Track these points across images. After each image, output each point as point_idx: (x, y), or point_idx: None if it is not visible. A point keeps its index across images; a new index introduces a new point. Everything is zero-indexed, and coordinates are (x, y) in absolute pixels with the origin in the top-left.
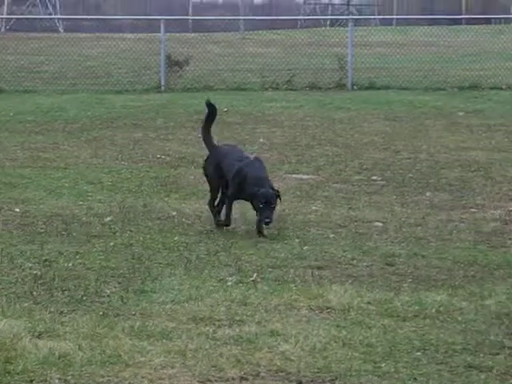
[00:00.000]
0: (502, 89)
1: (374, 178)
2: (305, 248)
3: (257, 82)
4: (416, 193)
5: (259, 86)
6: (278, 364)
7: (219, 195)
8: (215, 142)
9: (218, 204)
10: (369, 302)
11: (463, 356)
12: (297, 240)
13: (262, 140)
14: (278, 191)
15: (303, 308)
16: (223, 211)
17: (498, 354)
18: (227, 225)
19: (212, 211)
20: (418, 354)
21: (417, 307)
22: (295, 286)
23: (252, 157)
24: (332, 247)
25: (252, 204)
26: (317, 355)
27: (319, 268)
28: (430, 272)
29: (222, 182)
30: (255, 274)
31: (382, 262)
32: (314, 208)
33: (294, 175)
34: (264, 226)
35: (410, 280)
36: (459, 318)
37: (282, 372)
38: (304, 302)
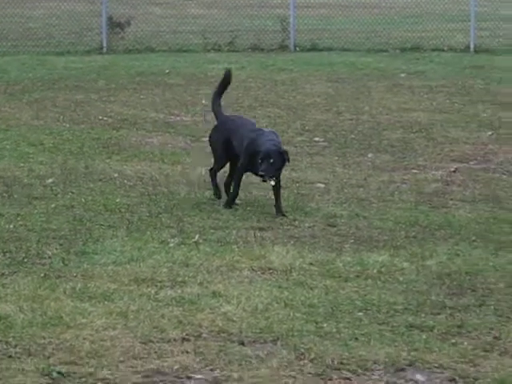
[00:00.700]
0: (443, 50)
1: (316, 139)
2: (247, 209)
3: (199, 43)
4: (358, 154)
5: (201, 48)
6: (220, 325)
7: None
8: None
9: (228, 180)
10: (311, 263)
11: (405, 316)
12: (239, 201)
13: (204, 102)
14: (285, 151)
15: (245, 269)
16: (232, 185)
17: (439, 313)
18: (234, 197)
19: (212, 180)
20: (360, 314)
21: (358, 268)
22: (237, 248)
23: (267, 130)
24: (274, 208)
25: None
26: (259, 316)
27: (261, 229)
28: (372, 233)
29: (230, 154)
30: (197, 236)
31: (324, 223)
32: None
33: None
34: (264, 181)
35: (351, 241)
36: (401, 279)
37: (223, 333)
38: (246, 263)
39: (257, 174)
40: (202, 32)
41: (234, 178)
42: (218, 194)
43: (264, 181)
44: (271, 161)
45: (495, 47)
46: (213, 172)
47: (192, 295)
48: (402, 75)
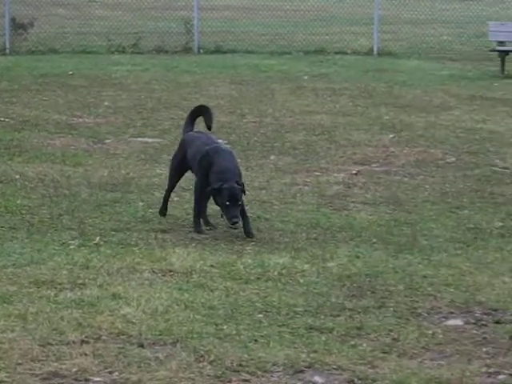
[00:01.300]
0: (346, 53)
1: (220, 141)
2: (149, 211)
3: (103, 45)
4: (261, 156)
5: (105, 50)
6: (120, 327)
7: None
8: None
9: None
10: (212, 265)
11: (304, 318)
12: (141, 203)
13: (107, 103)
14: (243, 184)
15: (146, 271)
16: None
17: (338, 315)
18: (197, 217)
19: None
20: (260, 316)
21: (259, 270)
22: (138, 249)
23: (223, 145)
24: (176, 210)
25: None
26: (158, 318)
27: (163, 231)
28: (273, 235)
29: (181, 172)
30: (98, 238)
31: (226, 226)
32: (158, 171)
33: (139, 138)
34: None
35: (253, 243)
36: (301, 281)
37: (123, 335)
38: (147, 265)
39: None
40: (106, 34)
41: (194, 197)
42: (163, 212)
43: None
44: (239, 203)
45: (398, 50)
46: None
47: (92, 297)
48: (306, 78)
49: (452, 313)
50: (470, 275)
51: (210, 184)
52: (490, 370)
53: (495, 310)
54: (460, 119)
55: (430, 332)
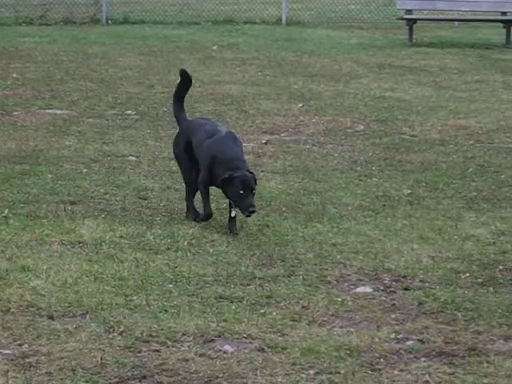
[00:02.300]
0: (255, 23)
1: (128, 112)
2: (58, 183)
3: (10, 16)
4: (170, 127)
5: (13, 21)
6: (29, 299)
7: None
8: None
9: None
10: (121, 236)
11: (214, 287)
12: (50, 175)
13: (15, 75)
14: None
15: (55, 243)
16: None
17: (248, 284)
18: (207, 217)
19: (189, 207)
20: (170, 286)
21: (169, 240)
22: (47, 222)
23: (224, 131)
24: (85, 182)
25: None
26: (68, 290)
27: (72, 203)
28: (183, 205)
29: (195, 162)
30: (6, 210)
31: (136, 196)
32: (67, 143)
33: (47, 110)
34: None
35: (162, 213)
36: (211, 250)
37: (32, 307)
38: (56, 237)
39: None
40: (13, 5)
41: (201, 194)
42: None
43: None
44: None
45: (307, 20)
46: (190, 198)
47: (0, 270)
48: (215, 48)
49: (361, 280)
50: (379, 243)
51: (217, 177)
52: (398, 336)
53: (404, 277)
54: (368, 87)
55: (340, 299)
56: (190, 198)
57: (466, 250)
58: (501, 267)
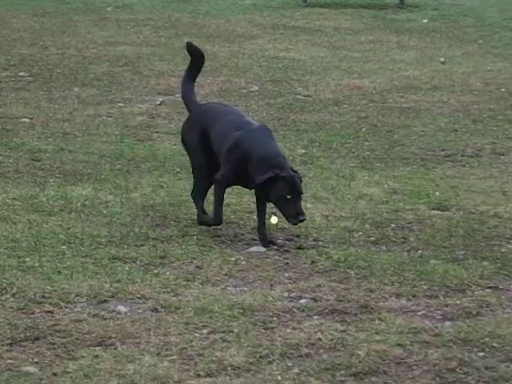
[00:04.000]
0: None
1: (22, 74)
2: None
3: None
4: (64, 88)
5: None
6: None
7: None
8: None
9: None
10: (14, 198)
11: (108, 248)
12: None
13: None
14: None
15: None
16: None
17: (142, 245)
18: (216, 224)
19: (197, 205)
20: (63, 247)
21: (62, 202)
22: None
23: (256, 124)
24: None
25: (258, 194)
26: None
27: None
28: (77, 167)
29: (210, 158)
30: None
31: (29, 158)
32: None
33: None
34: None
35: (56, 175)
36: (105, 212)
37: None
38: None
39: (247, 187)
40: None
41: (214, 197)
42: (206, 220)
43: (301, 221)
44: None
45: None
46: (197, 194)
47: None
48: (109, 9)
49: (255, 240)
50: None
51: (251, 178)
52: (291, 295)
53: (297, 236)
54: (263, 48)
55: (233, 259)
56: (198, 197)
57: (359, 208)
58: (393, 225)
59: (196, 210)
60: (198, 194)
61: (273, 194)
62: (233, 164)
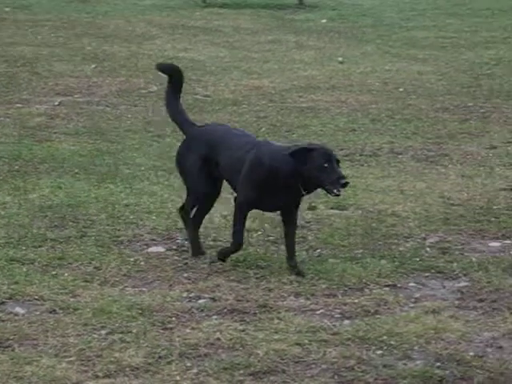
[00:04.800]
0: None
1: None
2: None
3: None
4: None
5: None
6: None
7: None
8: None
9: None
10: None
11: (5, 250)
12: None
13: None
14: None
15: None
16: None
17: (40, 246)
18: (237, 248)
19: (185, 221)
20: None
21: None
22: None
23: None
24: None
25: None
26: None
27: None
28: None
29: (212, 183)
30: None
31: None
32: None
33: None
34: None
35: None
36: (2, 213)
37: None
38: None
39: (268, 210)
40: None
41: (234, 223)
42: (196, 249)
43: (344, 186)
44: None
45: None
46: (186, 210)
47: None
48: (7, 9)
49: (154, 240)
50: (172, 202)
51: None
52: (190, 295)
53: None
54: (162, 48)
55: (132, 259)
56: (194, 227)
57: None
58: None
59: (188, 239)
60: (194, 223)
61: (309, 170)
62: (255, 184)
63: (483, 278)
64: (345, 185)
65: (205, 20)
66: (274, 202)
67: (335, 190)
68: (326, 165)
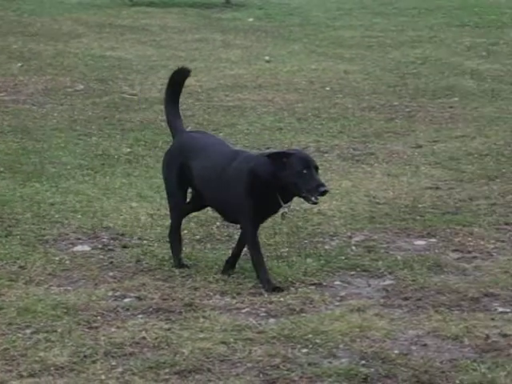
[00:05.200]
0: None
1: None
2: None
3: None
4: None
5: None
6: None
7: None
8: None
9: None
10: None
11: None
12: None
13: None
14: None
15: None
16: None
17: None
18: (270, 288)
19: (173, 248)
20: None
21: None
22: None
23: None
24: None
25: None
26: None
27: None
28: None
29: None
30: None
31: None
32: None
33: None
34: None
35: None
36: None
37: None
38: None
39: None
40: None
41: (255, 264)
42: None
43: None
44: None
45: None
46: (172, 235)
47: None
48: None
49: (79, 239)
50: (98, 201)
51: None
52: (116, 294)
53: (122, 235)
54: (89, 47)
55: (57, 258)
56: (175, 240)
57: None
58: (218, 224)
59: (172, 255)
60: (174, 235)
61: (288, 176)
62: (255, 199)
63: (408, 276)
64: (324, 193)
65: (132, 19)
66: (269, 214)
67: (313, 198)
68: (304, 171)
